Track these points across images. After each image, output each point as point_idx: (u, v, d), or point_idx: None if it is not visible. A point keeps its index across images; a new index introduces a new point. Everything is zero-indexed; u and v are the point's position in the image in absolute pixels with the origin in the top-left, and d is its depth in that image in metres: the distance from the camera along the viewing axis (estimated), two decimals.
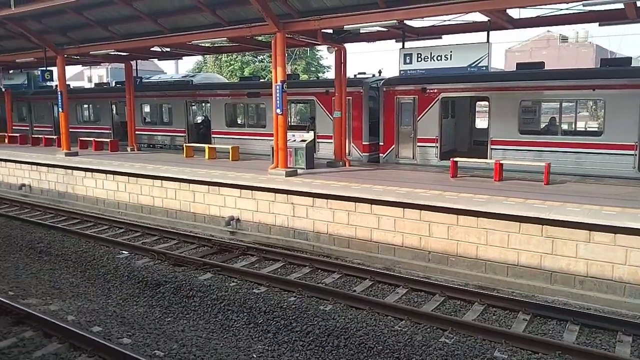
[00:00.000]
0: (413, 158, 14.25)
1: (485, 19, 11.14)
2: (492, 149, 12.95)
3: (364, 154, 15.22)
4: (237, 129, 18.26)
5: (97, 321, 6.89)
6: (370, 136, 15.18)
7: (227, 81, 28.18)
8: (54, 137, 20.91)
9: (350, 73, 14.89)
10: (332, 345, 6.28)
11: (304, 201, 10.50)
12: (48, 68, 18.41)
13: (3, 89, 24.04)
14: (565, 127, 13.52)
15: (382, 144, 14.77)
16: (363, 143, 15.22)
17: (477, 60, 10.93)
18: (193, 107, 20.81)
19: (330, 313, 7.02)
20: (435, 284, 8.05)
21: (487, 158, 12.65)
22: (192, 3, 12.57)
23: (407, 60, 11.58)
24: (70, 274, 9.03)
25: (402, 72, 11.88)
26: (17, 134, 22.86)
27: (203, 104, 20.83)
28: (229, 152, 15.74)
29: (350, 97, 14.87)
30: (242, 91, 18.08)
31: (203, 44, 16.67)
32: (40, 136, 22.06)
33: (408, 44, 12.63)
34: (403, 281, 8.17)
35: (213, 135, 18.55)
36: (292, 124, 19.69)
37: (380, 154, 14.87)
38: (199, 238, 10.87)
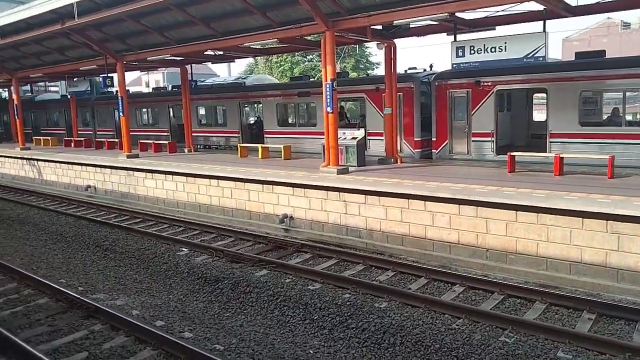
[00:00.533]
0: (468, 153, 13.92)
1: (540, 7, 10.74)
2: (551, 142, 12.46)
3: (416, 150, 15.03)
4: (288, 129, 18.48)
5: (159, 316, 7.19)
6: (423, 132, 14.96)
7: (278, 82, 28.53)
8: (116, 140, 21.88)
9: (400, 69, 14.74)
10: (388, 342, 6.27)
11: (356, 198, 10.51)
12: (109, 74, 19.28)
13: (69, 96, 25.46)
14: (629, 117, 12.81)
15: (434, 139, 14.52)
16: (415, 139, 15.03)
17: (533, 51, 10.56)
18: (246, 108, 21.24)
19: (385, 310, 7.00)
20: (493, 282, 7.85)
21: (546, 152, 12.20)
22: (243, 6, 12.81)
23: (460, 53, 11.35)
24: (133, 270, 9.45)
25: (454, 65, 11.65)
26: (82, 138, 24.09)
27: (255, 105, 21.21)
28: (281, 152, 15.97)
29: (401, 93, 14.71)
30: (292, 91, 18.27)
31: (254, 46, 16.96)
32: (103, 140, 23.14)
33: (460, 37, 12.38)
34: (460, 279, 8.03)
35: (265, 135, 18.86)
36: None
37: (433, 150, 14.63)
38: (255, 235, 11.10)
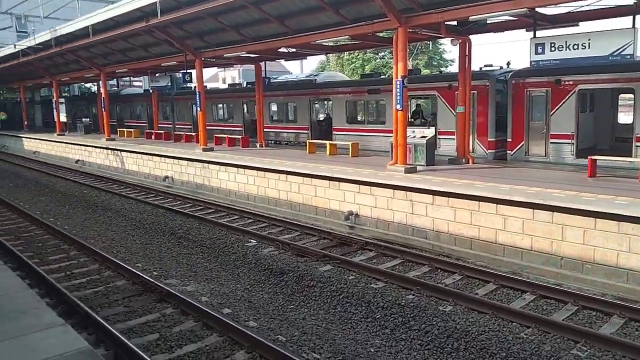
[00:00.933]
0: (545, 155, 13.27)
1: (630, 1, 9.99)
2: (637, 146, 11.61)
3: (489, 151, 14.53)
4: (357, 126, 18.47)
5: (227, 304, 7.46)
6: (497, 132, 14.44)
7: (348, 79, 28.56)
8: (193, 134, 22.86)
9: (475, 66, 14.30)
10: (452, 347, 6.13)
11: (424, 198, 10.33)
12: (188, 71, 20.17)
13: (150, 91, 26.89)
14: None
15: (509, 140, 13.96)
16: (489, 139, 14.53)
17: (620, 49, 9.85)
18: (316, 105, 21.46)
19: (450, 314, 6.85)
20: (567, 292, 7.44)
21: (631, 156, 11.39)
22: (316, 3, 12.94)
23: (539, 50, 10.80)
24: (204, 258, 9.84)
25: (533, 63, 11.12)
26: (162, 131, 25.37)
27: (325, 102, 21.38)
28: (349, 149, 16.00)
29: (475, 91, 14.27)
30: (362, 88, 18.24)
31: (326, 43, 17.10)
32: (181, 133, 24.25)
33: (540, 33, 11.77)
34: (531, 287, 7.68)
35: (334, 132, 18.97)
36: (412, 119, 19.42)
37: (508, 151, 14.07)
38: (320, 231, 11.21)
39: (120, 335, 5.92)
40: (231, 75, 55.51)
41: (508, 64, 15.60)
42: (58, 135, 29.14)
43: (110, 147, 22.58)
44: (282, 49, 17.72)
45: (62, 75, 29.55)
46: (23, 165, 24.45)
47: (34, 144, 30.28)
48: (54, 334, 4.06)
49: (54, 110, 30.23)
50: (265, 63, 21.10)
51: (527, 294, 7.55)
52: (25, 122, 35.96)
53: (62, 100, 30.90)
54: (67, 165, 24.51)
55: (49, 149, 28.49)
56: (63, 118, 30.25)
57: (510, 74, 14.11)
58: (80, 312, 6.70)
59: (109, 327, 6.16)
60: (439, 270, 8.81)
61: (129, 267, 8.56)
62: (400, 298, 7.44)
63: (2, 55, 28.68)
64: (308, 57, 23.19)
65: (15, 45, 26.36)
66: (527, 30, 12.52)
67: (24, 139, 31.86)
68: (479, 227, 9.46)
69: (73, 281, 8.29)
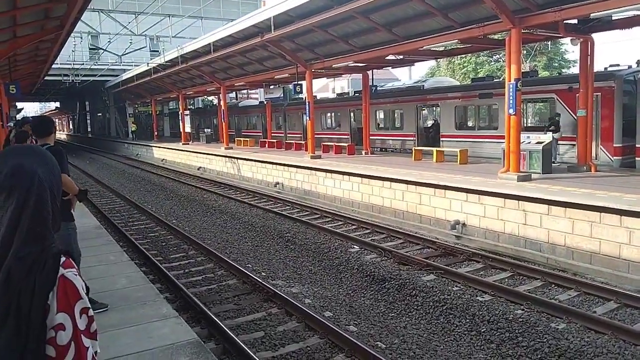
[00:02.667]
0: None
1: None
2: None
3: (615, 157, 13.27)
4: (466, 132, 17.88)
5: (328, 307, 7.62)
6: (624, 137, 13.15)
7: (458, 84, 27.73)
8: (303, 142, 23.67)
9: (600, 65, 13.19)
10: None
11: (538, 208, 9.71)
12: (299, 82, 20.97)
13: (265, 102, 28.34)
14: None
15: (638, 146, 12.64)
16: (614, 145, 13.28)
17: None
18: (423, 112, 21.14)
19: (562, 332, 6.37)
20: None
21: None
22: (425, 9, 12.81)
23: None
24: (309, 262, 10.14)
25: None
26: (275, 140, 26.58)
27: (433, 108, 20.98)
28: (456, 155, 15.54)
29: (599, 93, 13.15)
30: (473, 92, 17.62)
31: (435, 48, 16.79)
32: (292, 141, 25.22)
33: None
34: None
35: (442, 139, 18.53)
36: (529, 125, 18.35)
37: (637, 158, 12.74)
38: (424, 239, 11.01)
39: (229, 331, 6.32)
40: (340, 85, 56.54)
41: (638, 62, 14.15)
42: (183, 144, 31.78)
43: (228, 155, 24.14)
44: (390, 57, 17.73)
45: (187, 90, 32.26)
46: (152, 172, 26.99)
47: (162, 153, 33.27)
48: (168, 325, 4.50)
49: (180, 121, 33.05)
50: (372, 71, 21.24)
51: None
52: (155, 133, 39.68)
53: (187, 112, 33.71)
54: (190, 172, 26.60)
55: (175, 157, 31.18)
56: (188, 129, 32.99)
57: None
58: (195, 307, 7.27)
59: (219, 322, 6.60)
60: (553, 285, 8.22)
61: (240, 267, 9.08)
62: (508, 312, 7.07)
63: (137, 73, 32.10)
64: (416, 64, 22.93)
65: (148, 63, 29.36)
66: None
67: (153, 148, 35.15)
68: (600, 241, 8.68)
69: (190, 278, 8.99)
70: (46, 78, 29.65)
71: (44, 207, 1.26)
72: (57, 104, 76.30)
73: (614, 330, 6.28)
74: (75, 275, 1.26)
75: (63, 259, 1.26)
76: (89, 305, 1.28)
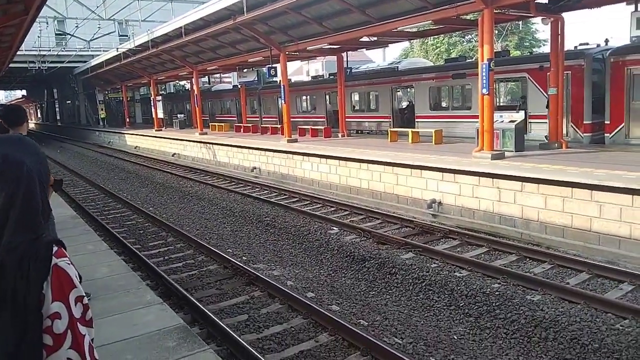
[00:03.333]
0: None
1: None
2: None
3: (585, 134, 13.63)
4: (441, 112, 18.07)
5: (310, 288, 7.71)
6: (594, 114, 13.49)
7: (432, 64, 27.92)
8: (279, 126, 23.56)
9: (570, 45, 13.45)
10: (540, 336, 5.93)
11: (511, 185, 9.95)
12: (273, 65, 20.77)
13: (239, 86, 28.02)
14: None
15: (607, 122, 12.99)
16: (584, 122, 13.62)
17: None
18: (398, 93, 21.23)
19: (538, 304, 6.60)
20: None
21: None
22: None
23: None
24: (289, 245, 10.20)
25: (633, 38, 10.26)
26: (250, 125, 26.39)
27: (408, 89, 21.09)
28: (431, 136, 15.72)
29: (569, 72, 13.42)
30: (447, 73, 17.78)
31: (409, 29, 16.83)
32: (267, 125, 25.08)
33: None
34: (628, 277, 7.18)
35: (417, 120, 18.69)
36: (501, 104, 18.65)
37: (606, 134, 13.11)
38: (402, 219, 11.18)
39: (212, 316, 6.34)
40: (315, 68, 56.25)
41: (606, 41, 14.46)
42: (156, 130, 31.30)
43: (203, 140, 23.89)
44: (364, 38, 17.69)
45: (158, 75, 31.65)
46: (126, 160, 26.55)
47: (135, 140, 32.72)
48: (153, 311, 4.50)
49: (152, 107, 32.48)
50: (347, 53, 21.19)
51: (624, 284, 7.08)
52: (127, 120, 38.93)
53: (159, 98, 33.10)
54: (164, 158, 26.27)
55: (148, 144, 30.71)
56: (160, 115, 32.43)
57: (609, 51, 13.08)
58: (177, 294, 7.26)
59: (202, 307, 6.62)
60: (528, 259, 8.48)
61: (220, 253, 9.07)
62: (485, 287, 7.27)
63: (107, 58, 31.31)
64: (390, 45, 22.93)
65: (117, 48, 28.66)
66: (627, 4, 11.53)
67: (126, 135, 34.53)
68: (572, 215, 8.96)
69: (170, 265, 8.95)
70: (11, 65, 28.66)
71: (33, 197, 1.26)
72: (24, 92, 73.95)
73: (586, 300, 6.53)
74: (69, 264, 1.27)
75: (55, 248, 1.27)
76: (84, 294, 1.29)
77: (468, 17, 15.01)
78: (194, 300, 6.84)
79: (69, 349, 1.21)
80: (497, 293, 7.01)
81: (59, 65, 35.36)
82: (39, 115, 76.84)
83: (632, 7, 10.88)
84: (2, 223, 1.19)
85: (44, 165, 1.34)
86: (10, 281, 1.16)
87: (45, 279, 1.21)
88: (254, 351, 5.30)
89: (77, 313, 1.24)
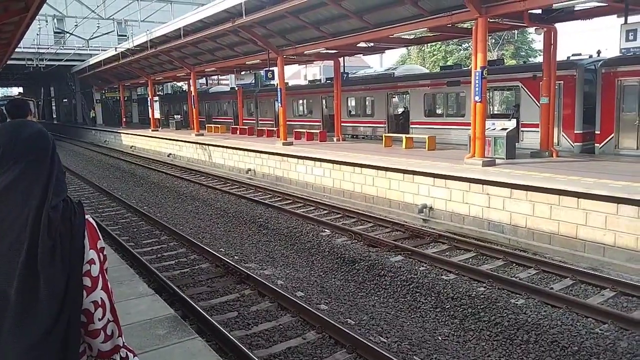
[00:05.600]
0: (637, 149, 12.44)
1: None
2: None
3: (575, 143, 13.85)
4: (435, 119, 18.27)
5: (300, 287, 7.84)
6: (585, 124, 13.72)
7: (428, 71, 28.17)
8: (275, 129, 23.69)
9: (563, 55, 13.67)
10: (522, 339, 6.07)
11: (501, 192, 10.12)
12: (270, 68, 20.95)
13: (236, 88, 28.15)
14: None
15: (598, 132, 13.22)
16: (575, 132, 13.85)
17: None
18: (394, 99, 21.46)
19: (521, 307, 6.75)
20: None
21: None
22: None
23: (630, 37, 10.13)
24: (282, 246, 10.33)
25: (623, 50, 10.47)
26: (246, 127, 26.51)
27: (403, 95, 21.29)
28: (425, 142, 15.90)
29: (562, 82, 13.65)
30: (441, 80, 17.99)
31: (405, 36, 17.04)
32: (264, 128, 25.20)
33: (632, 19, 11.03)
34: (611, 283, 7.36)
35: (412, 126, 18.89)
36: (495, 112, 18.88)
37: (596, 144, 13.33)
38: (393, 223, 11.32)
39: (203, 312, 6.46)
40: (312, 72, 56.40)
41: (598, 52, 14.72)
42: (152, 131, 31.36)
43: (199, 141, 23.99)
44: (361, 44, 17.87)
45: (156, 75, 31.76)
46: (121, 159, 26.61)
47: (131, 139, 32.78)
48: (145, 302, 4.63)
49: (149, 107, 32.55)
50: (344, 58, 21.37)
51: (606, 290, 7.25)
52: (124, 119, 38.98)
53: (156, 98, 33.20)
54: (160, 158, 26.35)
55: (144, 144, 30.78)
56: (157, 115, 32.51)
57: (600, 62, 13.32)
58: (168, 290, 7.37)
59: (193, 303, 6.74)
60: (514, 265, 8.64)
61: (212, 252, 9.19)
62: (471, 290, 7.43)
63: (105, 58, 31.39)
64: (387, 51, 23.17)
65: (115, 48, 28.76)
66: (618, 17, 11.76)
67: (122, 134, 34.58)
68: (559, 222, 9.14)
69: (163, 263, 9.07)
70: (9, 62, 28.71)
71: (60, 165, 1.48)
72: (21, 89, 73.81)
73: (568, 304, 6.69)
74: (92, 219, 1.50)
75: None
76: (104, 245, 1.51)
77: (465, 25, 15.26)
78: (185, 297, 6.96)
79: (101, 289, 1.42)
80: (482, 296, 7.16)
81: (56, 63, 35.39)
82: (35, 113, 76.63)
83: (622, 20, 11.08)
84: (45, 187, 1.39)
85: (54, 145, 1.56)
86: (57, 233, 1.36)
87: (84, 230, 1.42)
88: (242, 346, 5.42)
89: (103, 260, 1.47)
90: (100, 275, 1.43)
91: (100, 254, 1.45)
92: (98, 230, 1.49)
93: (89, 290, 1.40)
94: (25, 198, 1.36)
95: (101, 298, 1.42)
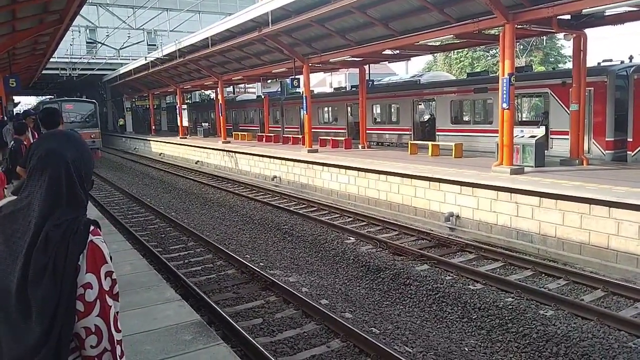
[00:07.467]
0: None
1: None
2: None
3: (607, 151, 13.50)
4: (462, 126, 18.08)
5: (325, 295, 7.84)
6: (616, 131, 13.38)
7: (454, 78, 27.93)
8: (300, 136, 23.81)
9: (594, 61, 13.40)
10: (550, 351, 5.94)
11: (529, 201, 9.94)
12: (296, 76, 21.10)
13: (262, 96, 28.44)
14: None
15: (630, 140, 12.87)
16: (606, 139, 13.50)
17: None
18: (420, 106, 21.33)
19: (550, 319, 6.61)
20: None
21: None
22: (420, 4, 12.97)
23: None
24: (306, 253, 10.35)
25: None
26: (272, 134, 26.73)
27: (429, 103, 21.15)
28: (452, 149, 15.75)
29: (592, 88, 13.35)
30: (468, 87, 17.81)
31: (431, 43, 16.96)
32: (289, 136, 25.35)
33: None
34: None
35: (438, 133, 18.74)
36: (524, 119, 18.60)
37: (628, 152, 12.98)
38: (419, 231, 11.23)
39: (228, 318, 6.53)
40: (338, 80, 56.54)
41: (630, 58, 14.36)
42: (181, 138, 31.89)
43: (226, 149, 24.28)
44: (387, 51, 17.85)
45: (184, 84, 32.33)
46: (150, 166, 27.13)
47: (160, 147, 33.39)
48: (172, 307, 4.71)
49: (178, 115, 33.15)
50: (369, 66, 21.36)
51: None
52: (153, 127, 39.75)
53: (185, 106, 33.78)
54: (188, 165, 26.75)
55: (173, 151, 31.31)
56: (185, 123, 33.08)
57: (632, 68, 13.00)
58: (195, 295, 7.47)
59: (219, 309, 6.82)
60: (543, 275, 8.47)
61: (238, 258, 9.28)
62: (498, 300, 7.31)
63: (135, 67, 32.15)
64: (413, 58, 23.10)
65: (145, 57, 29.43)
66: None
67: (151, 142, 35.25)
68: (590, 232, 8.92)
69: (190, 268, 9.20)
70: (43, 72, 29.68)
71: (74, 184, 1.48)
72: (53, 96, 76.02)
73: (599, 317, 6.52)
74: (102, 242, 1.48)
75: (92, 227, 1.48)
76: (113, 270, 1.48)
77: (492, 31, 15.10)
78: (211, 302, 7.04)
79: (97, 316, 1.39)
80: (510, 307, 7.03)
81: (89, 72, 36.43)
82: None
83: None
84: (50, 204, 1.42)
85: (86, 159, 1.56)
86: (53, 252, 1.37)
87: (82, 251, 1.41)
88: (266, 353, 5.46)
89: (106, 286, 1.43)
90: (97, 301, 1.39)
91: (102, 280, 1.42)
92: (107, 255, 1.46)
93: (81, 315, 1.37)
94: (30, 213, 1.40)
95: (96, 325, 1.38)
